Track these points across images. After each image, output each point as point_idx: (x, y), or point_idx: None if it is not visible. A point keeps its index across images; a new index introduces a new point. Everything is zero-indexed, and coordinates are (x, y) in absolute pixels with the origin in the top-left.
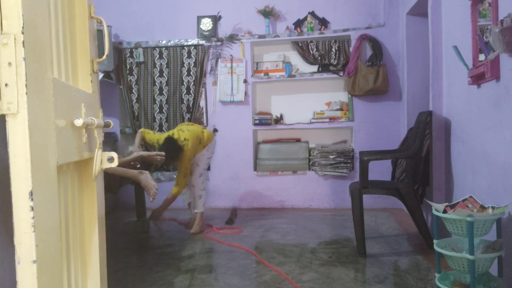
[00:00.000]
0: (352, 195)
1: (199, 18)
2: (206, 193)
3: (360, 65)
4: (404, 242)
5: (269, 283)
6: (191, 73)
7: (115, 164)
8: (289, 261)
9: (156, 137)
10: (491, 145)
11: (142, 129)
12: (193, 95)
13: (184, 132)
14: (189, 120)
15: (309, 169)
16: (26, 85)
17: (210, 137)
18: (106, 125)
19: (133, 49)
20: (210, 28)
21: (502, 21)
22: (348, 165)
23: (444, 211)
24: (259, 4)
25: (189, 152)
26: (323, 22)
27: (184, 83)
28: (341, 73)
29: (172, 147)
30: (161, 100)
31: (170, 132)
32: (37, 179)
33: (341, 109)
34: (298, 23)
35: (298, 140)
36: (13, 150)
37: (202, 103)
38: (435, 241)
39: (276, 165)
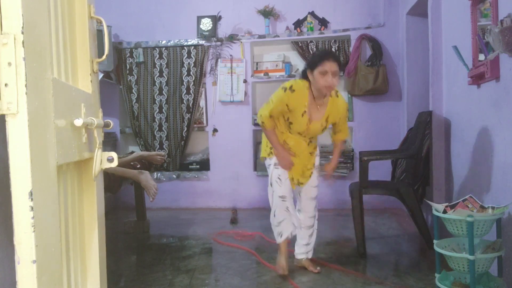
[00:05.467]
0: (352, 195)
1: (199, 18)
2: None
3: (360, 65)
4: (404, 242)
5: (269, 283)
6: (191, 73)
7: (115, 164)
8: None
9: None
10: (491, 145)
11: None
12: (193, 95)
13: None
14: (189, 120)
15: None
16: (26, 85)
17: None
18: (106, 125)
19: (133, 49)
20: (210, 28)
21: (502, 21)
22: (348, 165)
23: (444, 211)
24: (259, 4)
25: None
26: (323, 22)
27: (184, 83)
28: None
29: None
30: (161, 100)
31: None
32: (37, 179)
33: None
34: (298, 23)
35: None
36: (13, 150)
37: (202, 103)
38: (435, 241)
39: None
